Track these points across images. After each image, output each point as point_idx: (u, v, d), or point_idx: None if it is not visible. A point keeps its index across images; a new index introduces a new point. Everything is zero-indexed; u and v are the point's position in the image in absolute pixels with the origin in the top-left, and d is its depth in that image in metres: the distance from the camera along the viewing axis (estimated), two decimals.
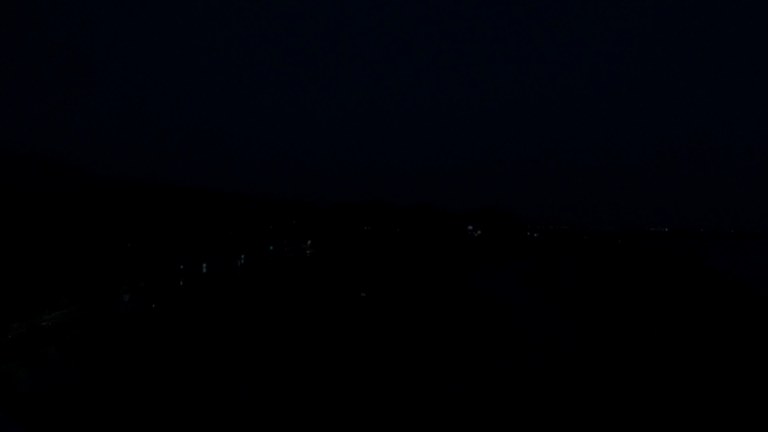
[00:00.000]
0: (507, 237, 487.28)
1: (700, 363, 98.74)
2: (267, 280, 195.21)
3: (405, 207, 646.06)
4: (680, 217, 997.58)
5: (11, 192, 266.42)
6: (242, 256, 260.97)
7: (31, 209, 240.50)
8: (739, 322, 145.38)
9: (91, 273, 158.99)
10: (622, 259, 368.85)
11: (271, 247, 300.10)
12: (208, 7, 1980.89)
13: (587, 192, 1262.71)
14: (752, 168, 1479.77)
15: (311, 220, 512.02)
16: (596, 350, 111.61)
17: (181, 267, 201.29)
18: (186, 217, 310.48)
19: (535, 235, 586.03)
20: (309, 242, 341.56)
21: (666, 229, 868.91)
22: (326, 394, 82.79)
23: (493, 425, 68.44)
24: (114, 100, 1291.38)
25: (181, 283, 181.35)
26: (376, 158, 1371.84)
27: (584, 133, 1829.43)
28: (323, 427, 66.93)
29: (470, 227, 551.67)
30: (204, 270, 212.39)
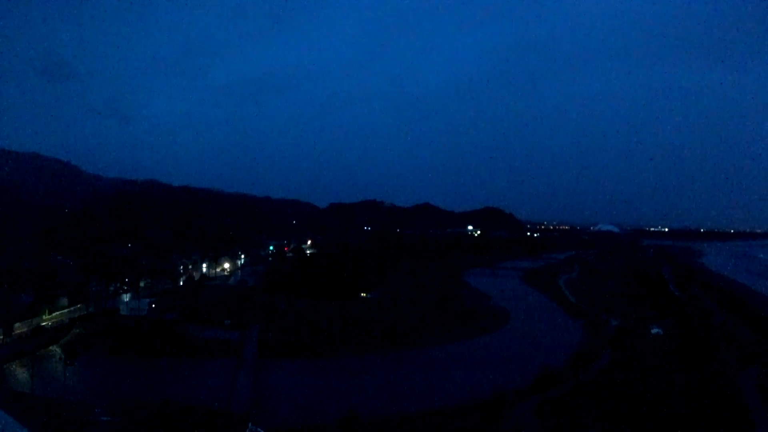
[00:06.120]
0: (507, 237, 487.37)
1: (699, 362, 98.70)
2: (267, 280, 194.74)
3: (405, 207, 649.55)
4: (680, 217, 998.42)
5: (11, 192, 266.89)
6: (242, 256, 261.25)
7: (31, 209, 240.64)
8: (738, 321, 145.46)
9: (91, 273, 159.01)
10: (622, 259, 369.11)
11: (271, 247, 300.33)
12: (207, 12, 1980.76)
13: (587, 192, 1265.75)
14: (752, 168, 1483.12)
15: (311, 220, 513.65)
16: (596, 350, 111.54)
17: (181, 267, 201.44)
18: (185, 217, 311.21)
19: (535, 235, 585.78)
20: (309, 242, 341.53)
21: (666, 229, 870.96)
22: (326, 389, 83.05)
23: (493, 422, 68.57)
24: (114, 100, 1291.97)
25: (181, 283, 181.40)
26: (375, 158, 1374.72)
27: (585, 133, 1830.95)
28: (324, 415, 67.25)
29: (470, 227, 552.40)
30: (204, 270, 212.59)
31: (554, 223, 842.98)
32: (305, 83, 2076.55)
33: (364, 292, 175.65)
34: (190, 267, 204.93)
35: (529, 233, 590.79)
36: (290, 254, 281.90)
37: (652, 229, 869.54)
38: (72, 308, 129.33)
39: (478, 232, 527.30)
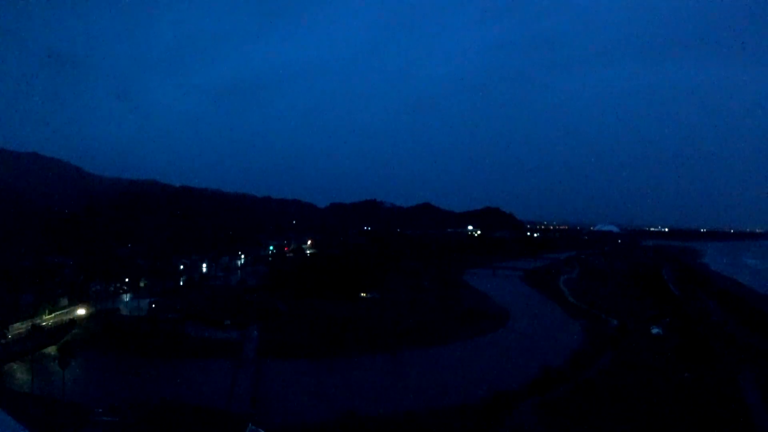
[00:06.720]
0: (507, 237, 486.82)
1: (699, 362, 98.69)
2: (267, 280, 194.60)
3: (405, 207, 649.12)
4: (680, 217, 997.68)
5: (11, 192, 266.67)
6: (242, 256, 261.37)
7: (31, 209, 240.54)
8: (738, 322, 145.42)
9: (91, 273, 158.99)
10: (622, 259, 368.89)
11: (271, 247, 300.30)
12: (206, 8, 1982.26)
13: (587, 192, 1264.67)
14: (752, 168, 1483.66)
15: (311, 220, 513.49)
16: (596, 349, 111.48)
17: (181, 267, 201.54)
18: (185, 217, 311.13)
19: (536, 235, 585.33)
20: (309, 242, 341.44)
21: (666, 229, 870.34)
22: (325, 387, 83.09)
23: (493, 422, 68.55)
24: (114, 100, 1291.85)
25: (181, 283, 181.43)
26: (375, 158, 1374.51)
27: (584, 133, 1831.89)
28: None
29: (470, 227, 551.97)
30: (204, 270, 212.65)
31: (554, 223, 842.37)
32: (305, 81, 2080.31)
33: (364, 293, 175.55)
34: (190, 267, 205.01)
35: (529, 233, 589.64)
36: (290, 254, 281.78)
37: (652, 229, 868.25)
38: (72, 308, 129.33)
39: (478, 232, 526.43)
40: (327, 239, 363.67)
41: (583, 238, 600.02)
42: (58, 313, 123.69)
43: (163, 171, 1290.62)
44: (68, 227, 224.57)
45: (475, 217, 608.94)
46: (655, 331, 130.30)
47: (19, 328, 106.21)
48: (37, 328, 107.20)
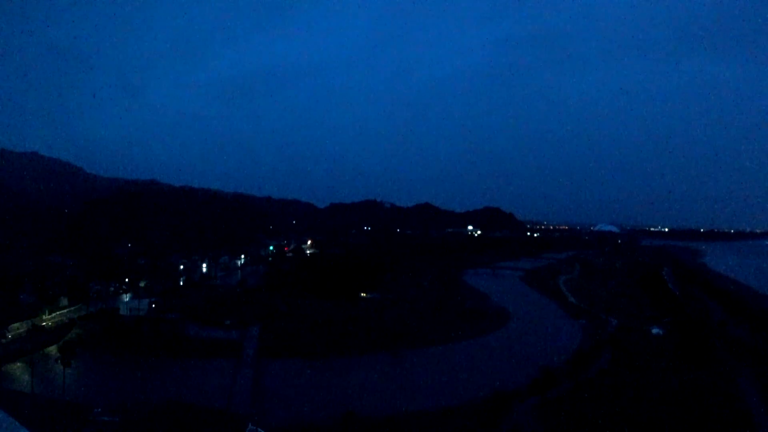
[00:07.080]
0: (507, 237, 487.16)
1: (699, 362, 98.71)
2: (267, 280, 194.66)
3: (405, 207, 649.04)
4: (680, 217, 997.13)
5: (11, 192, 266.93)
6: (242, 256, 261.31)
7: (31, 209, 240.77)
8: (739, 321, 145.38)
9: (91, 273, 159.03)
10: (622, 259, 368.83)
11: (271, 247, 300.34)
12: (205, 5, 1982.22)
13: (587, 192, 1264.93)
14: (752, 168, 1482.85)
15: (311, 220, 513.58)
16: (596, 349, 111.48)
17: (181, 267, 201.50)
18: (185, 217, 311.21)
19: (536, 235, 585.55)
20: (309, 242, 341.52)
21: (666, 229, 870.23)
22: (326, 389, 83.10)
23: (493, 422, 68.58)
24: (114, 100, 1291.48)
25: (181, 283, 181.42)
26: (375, 158, 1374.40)
27: (585, 133, 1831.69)
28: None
29: (470, 227, 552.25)
30: (204, 270, 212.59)
31: (554, 223, 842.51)
32: (305, 81, 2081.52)
33: (364, 293, 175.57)
34: (190, 267, 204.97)
35: (529, 233, 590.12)
36: (290, 254, 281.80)
37: (652, 229, 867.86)
38: (72, 308, 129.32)
39: (478, 232, 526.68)
40: (327, 239, 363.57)
41: (583, 238, 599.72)
42: (58, 313, 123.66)
43: (163, 171, 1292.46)
44: (68, 227, 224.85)
45: (475, 217, 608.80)
46: (655, 331, 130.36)
47: (19, 328, 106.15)
48: (37, 328, 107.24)
